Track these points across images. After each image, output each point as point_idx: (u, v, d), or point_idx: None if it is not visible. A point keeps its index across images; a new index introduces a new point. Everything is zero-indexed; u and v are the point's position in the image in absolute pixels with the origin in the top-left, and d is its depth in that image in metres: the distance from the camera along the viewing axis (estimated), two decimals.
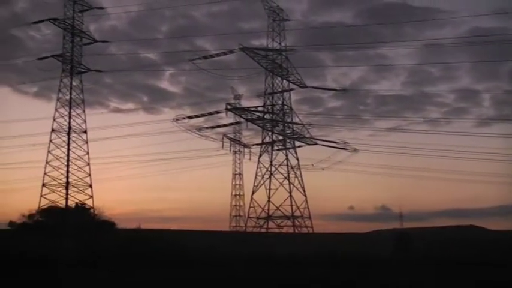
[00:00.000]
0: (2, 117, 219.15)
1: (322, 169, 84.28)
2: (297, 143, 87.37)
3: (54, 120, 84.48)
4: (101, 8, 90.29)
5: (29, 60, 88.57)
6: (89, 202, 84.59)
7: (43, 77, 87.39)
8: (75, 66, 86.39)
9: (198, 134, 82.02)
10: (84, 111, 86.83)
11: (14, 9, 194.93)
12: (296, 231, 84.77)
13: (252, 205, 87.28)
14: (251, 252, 47.09)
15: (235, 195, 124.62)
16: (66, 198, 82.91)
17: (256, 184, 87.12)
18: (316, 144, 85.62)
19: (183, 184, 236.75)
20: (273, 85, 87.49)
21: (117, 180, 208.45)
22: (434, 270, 35.53)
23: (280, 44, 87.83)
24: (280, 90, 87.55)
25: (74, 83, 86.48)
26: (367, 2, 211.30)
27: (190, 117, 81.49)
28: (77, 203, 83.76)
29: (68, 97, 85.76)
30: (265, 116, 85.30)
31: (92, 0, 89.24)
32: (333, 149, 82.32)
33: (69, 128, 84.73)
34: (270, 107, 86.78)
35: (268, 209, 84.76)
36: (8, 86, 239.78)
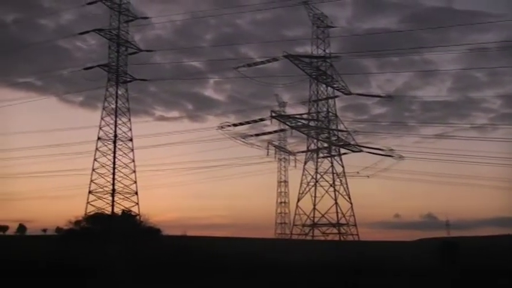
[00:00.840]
0: (48, 125, 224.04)
1: (368, 176, 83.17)
2: (342, 150, 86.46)
3: (100, 128, 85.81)
4: (146, 17, 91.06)
5: (75, 70, 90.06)
6: (134, 209, 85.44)
7: (89, 86, 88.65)
8: (120, 76, 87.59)
9: (242, 141, 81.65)
10: (129, 120, 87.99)
11: (60, 21, 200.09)
12: (342, 238, 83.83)
13: (297, 212, 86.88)
14: (295, 259, 46.58)
15: (281, 202, 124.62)
16: (112, 205, 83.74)
17: (301, 191, 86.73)
18: (361, 151, 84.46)
19: (228, 191, 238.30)
20: (317, 92, 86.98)
21: (162, 188, 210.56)
22: (478, 281, 34.13)
23: (324, 51, 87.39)
24: (324, 97, 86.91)
25: (119, 92, 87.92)
26: (411, 7, 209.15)
27: (235, 125, 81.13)
28: (123, 210, 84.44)
29: (113, 106, 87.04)
30: (310, 123, 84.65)
31: (137, 10, 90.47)
32: (378, 156, 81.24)
33: (115, 136, 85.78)
34: (314, 114, 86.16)
35: (314, 217, 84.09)
36: (54, 95, 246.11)
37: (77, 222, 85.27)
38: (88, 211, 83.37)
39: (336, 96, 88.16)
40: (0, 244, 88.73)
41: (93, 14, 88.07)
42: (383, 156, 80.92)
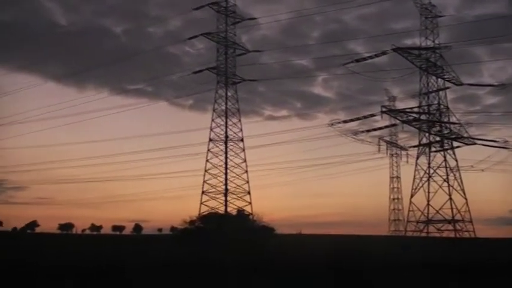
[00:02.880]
0: (161, 129, 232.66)
1: (482, 170, 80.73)
2: (455, 144, 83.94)
3: (211, 130, 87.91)
4: (253, 18, 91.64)
5: (184, 75, 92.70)
6: (247, 208, 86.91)
7: (198, 89, 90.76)
8: (229, 77, 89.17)
9: (353, 138, 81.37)
10: (239, 120, 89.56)
11: (168, 28, 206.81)
12: (457, 235, 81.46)
13: (411, 209, 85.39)
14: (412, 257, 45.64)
15: (393, 199, 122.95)
16: (226, 205, 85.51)
17: (414, 187, 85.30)
18: (474, 144, 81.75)
19: (339, 189, 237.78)
20: (427, 84, 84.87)
21: (273, 187, 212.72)
22: None
23: (433, 41, 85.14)
24: (435, 89, 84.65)
25: (229, 94, 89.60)
26: None
27: (345, 122, 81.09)
28: (238, 209, 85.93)
29: (223, 107, 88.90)
30: (421, 117, 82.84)
31: (243, 11, 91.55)
32: (492, 148, 78.56)
33: (226, 137, 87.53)
34: (425, 108, 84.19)
35: (428, 213, 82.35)
36: (165, 100, 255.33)
37: (192, 222, 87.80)
38: (202, 211, 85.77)
39: (447, 88, 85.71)
40: (116, 243, 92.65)
41: (200, 19, 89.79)
42: (497, 149, 78.41)
